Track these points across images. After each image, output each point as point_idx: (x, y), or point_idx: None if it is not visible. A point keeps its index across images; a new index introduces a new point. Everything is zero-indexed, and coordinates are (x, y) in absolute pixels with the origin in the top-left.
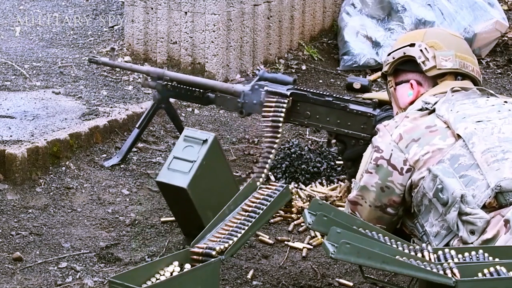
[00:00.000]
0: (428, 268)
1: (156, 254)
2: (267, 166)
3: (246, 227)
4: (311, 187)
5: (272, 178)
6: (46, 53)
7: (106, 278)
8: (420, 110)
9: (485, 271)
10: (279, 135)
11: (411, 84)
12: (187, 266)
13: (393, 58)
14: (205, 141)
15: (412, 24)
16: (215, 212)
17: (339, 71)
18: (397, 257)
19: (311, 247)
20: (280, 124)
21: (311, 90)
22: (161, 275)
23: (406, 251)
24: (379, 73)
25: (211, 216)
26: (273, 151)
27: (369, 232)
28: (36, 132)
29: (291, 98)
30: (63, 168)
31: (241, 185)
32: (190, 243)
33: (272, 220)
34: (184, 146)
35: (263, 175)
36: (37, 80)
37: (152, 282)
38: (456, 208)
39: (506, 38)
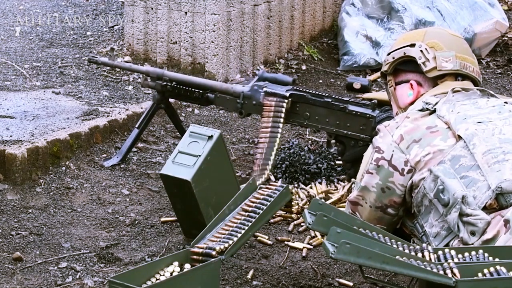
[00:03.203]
0: (428, 268)
1: (156, 254)
2: (268, 167)
3: (246, 227)
4: (311, 187)
5: (272, 178)
6: (46, 53)
7: (106, 278)
8: (421, 110)
9: (485, 271)
10: (278, 136)
11: (411, 85)
12: (187, 266)
13: (393, 58)
14: (210, 137)
15: (412, 24)
16: (216, 209)
17: (339, 71)
18: (397, 257)
19: (311, 247)
20: (280, 125)
21: (310, 91)
22: (161, 275)
23: (406, 251)
24: (379, 73)
25: (212, 213)
26: (273, 152)
27: (369, 232)
28: (36, 132)
29: (290, 99)
30: (63, 168)
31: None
32: (190, 243)
33: (272, 220)
34: (190, 141)
35: (264, 176)
36: (37, 80)
37: (152, 282)
38: (457, 209)
39: (506, 38)
